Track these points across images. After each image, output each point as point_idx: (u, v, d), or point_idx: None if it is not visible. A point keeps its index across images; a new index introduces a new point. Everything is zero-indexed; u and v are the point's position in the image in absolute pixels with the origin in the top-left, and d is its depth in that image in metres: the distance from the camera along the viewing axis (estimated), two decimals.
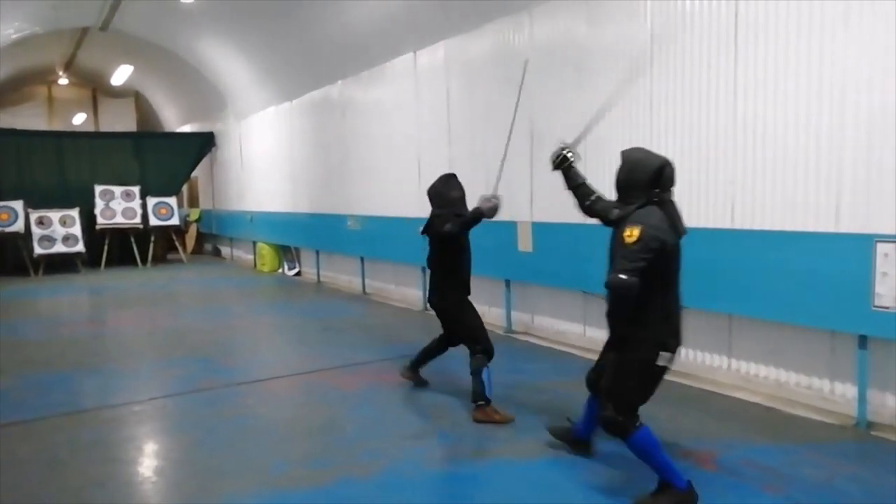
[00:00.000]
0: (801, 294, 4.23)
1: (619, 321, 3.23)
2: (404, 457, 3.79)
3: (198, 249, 17.10)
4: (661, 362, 3.06)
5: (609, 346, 3.41)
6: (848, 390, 4.25)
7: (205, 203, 17.47)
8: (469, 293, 4.57)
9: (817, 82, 4.17)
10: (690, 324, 5.21)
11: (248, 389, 5.23)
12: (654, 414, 4.41)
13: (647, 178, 3.07)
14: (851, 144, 4.01)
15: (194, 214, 17.24)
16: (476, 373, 4.29)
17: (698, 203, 4.94)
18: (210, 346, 6.81)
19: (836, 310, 4.05)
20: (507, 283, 6.99)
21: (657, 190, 3.08)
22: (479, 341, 4.38)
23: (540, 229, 6.29)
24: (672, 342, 3.09)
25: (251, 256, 14.30)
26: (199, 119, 17.07)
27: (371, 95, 9.44)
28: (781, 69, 4.37)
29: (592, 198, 3.50)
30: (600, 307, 5.94)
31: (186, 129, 17.97)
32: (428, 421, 4.41)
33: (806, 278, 4.19)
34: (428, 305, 4.71)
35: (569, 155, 3.55)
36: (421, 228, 4.63)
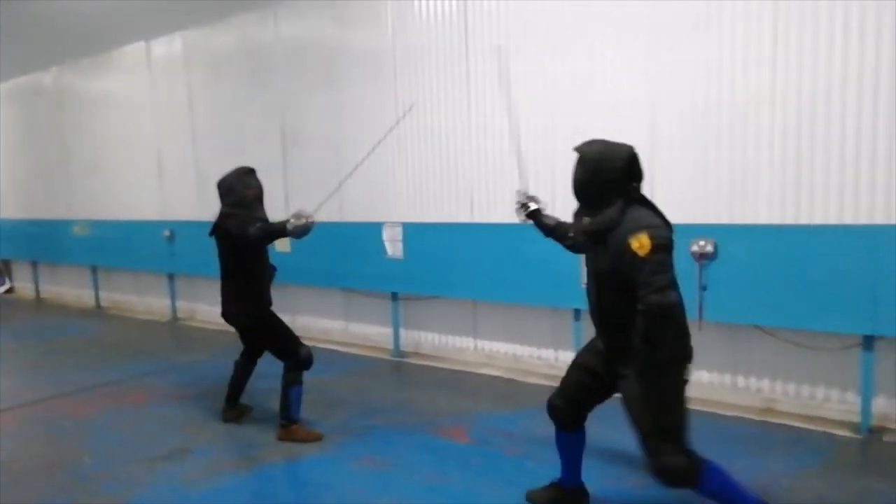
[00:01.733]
0: (529, 278, 4.87)
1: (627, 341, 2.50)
2: (156, 480, 3.49)
3: None
4: (687, 376, 2.57)
5: (588, 370, 2.81)
6: (567, 356, 5.00)
7: None
8: (271, 304, 4.18)
9: (535, 93, 4.80)
10: (440, 311, 5.73)
11: None
12: (411, 399, 4.75)
13: (620, 172, 2.55)
14: (562, 149, 4.71)
15: None
16: (287, 387, 3.94)
17: (444, 199, 5.38)
18: None
19: (556, 289, 4.74)
20: None
21: (634, 184, 2.59)
22: (292, 353, 3.99)
23: None
24: (692, 351, 2.59)
25: None
26: None
27: (96, 86, 8.42)
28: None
29: (571, 234, 3.00)
30: (361, 303, 6.20)
31: None
32: (183, 438, 4.10)
33: (532, 264, 4.81)
34: (223, 320, 4.17)
35: (531, 205, 3.23)
36: (210, 230, 4.06)
